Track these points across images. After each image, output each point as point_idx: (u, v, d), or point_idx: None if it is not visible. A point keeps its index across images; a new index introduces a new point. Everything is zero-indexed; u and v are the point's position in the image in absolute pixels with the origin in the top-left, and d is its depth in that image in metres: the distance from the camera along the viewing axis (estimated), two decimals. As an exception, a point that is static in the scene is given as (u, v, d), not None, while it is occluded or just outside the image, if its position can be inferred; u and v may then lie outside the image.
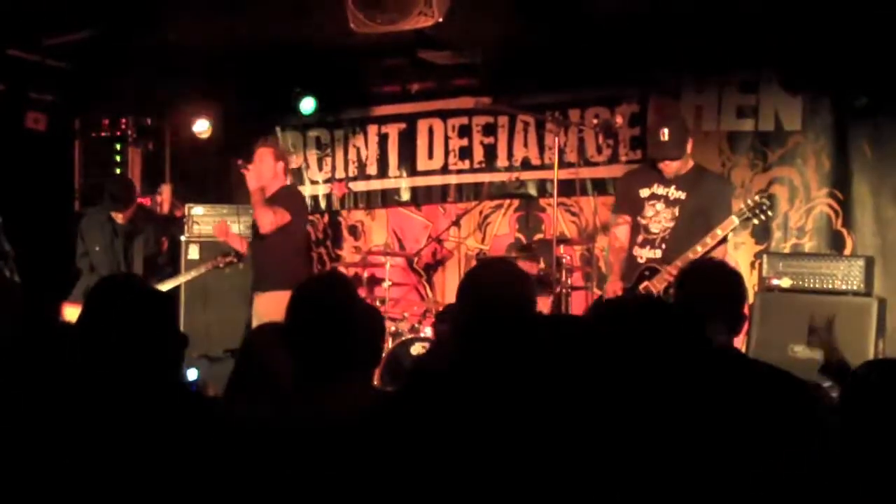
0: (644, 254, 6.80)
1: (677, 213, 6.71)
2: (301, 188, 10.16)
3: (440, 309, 8.22)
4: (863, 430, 2.82)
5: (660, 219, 6.77)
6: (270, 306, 7.15)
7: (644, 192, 6.86)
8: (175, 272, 8.69)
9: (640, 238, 6.86)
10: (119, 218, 8.23)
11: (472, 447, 2.73)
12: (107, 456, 2.77)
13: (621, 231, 7.00)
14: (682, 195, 6.71)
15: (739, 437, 2.98)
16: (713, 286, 3.78)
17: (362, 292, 8.67)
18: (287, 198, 7.66)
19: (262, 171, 7.54)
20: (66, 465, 2.77)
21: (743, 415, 3.08)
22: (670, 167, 6.70)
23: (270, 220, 7.38)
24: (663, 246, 6.71)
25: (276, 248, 7.45)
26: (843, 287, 7.08)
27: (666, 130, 6.65)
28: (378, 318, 3.71)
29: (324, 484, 2.86)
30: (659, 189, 6.79)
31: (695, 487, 2.71)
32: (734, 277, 3.92)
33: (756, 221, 6.75)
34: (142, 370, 2.99)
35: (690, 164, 6.81)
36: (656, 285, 6.56)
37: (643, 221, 6.85)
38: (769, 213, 6.73)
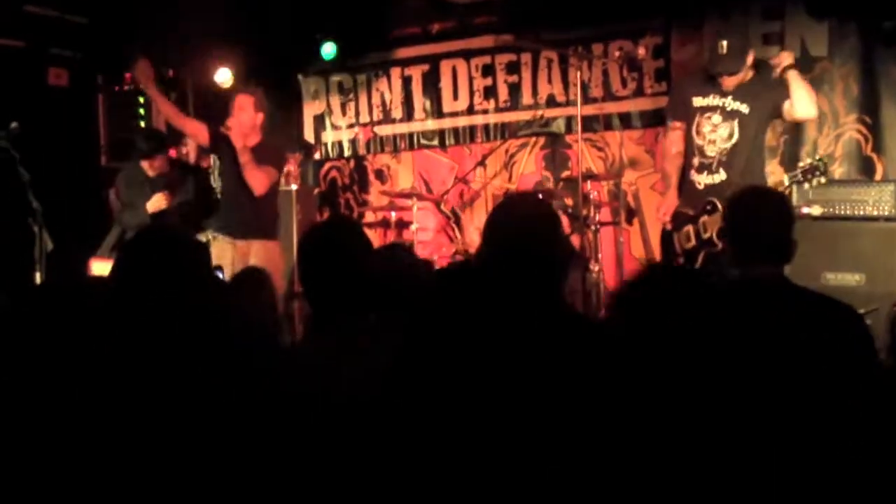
0: (702, 180, 6.58)
1: (736, 131, 6.47)
2: (324, 133, 10.17)
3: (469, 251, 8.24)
4: None
5: (715, 137, 6.51)
6: (263, 254, 7.16)
7: (698, 101, 6.62)
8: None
9: (695, 161, 6.62)
10: (149, 170, 8.09)
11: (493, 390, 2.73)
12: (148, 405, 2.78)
13: (675, 136, 6.79)
14: (742, 107, 6.47)
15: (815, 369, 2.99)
16: (759, 218, 3.70)
17: (391, 236, 8.67)
18: (274, 154, 7.50)
19: (243, 121, 7.29)
20: (96, 419, 2.78)
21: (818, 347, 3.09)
22: (730, 81, 6.46)
23: (263, 181, 7.24)
24: (724, 171, 6.47)
25: (265, 200, 7.37)
26: (875, 213, 7.00)
27: (724, 43, 6.38)
28: (400, 258, 3.70)
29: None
30: (716, 100, 6.53)
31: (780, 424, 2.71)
32: (781, 204, 3.84)
33: (807, 186, 6.51)
34: (181, 322, 2.98)
35: (751, 73, 6.55)
36: (714, 224, 6.29)
37: (698, 141, 6.60)
38: (823, 177, 6.31)
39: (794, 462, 2.60)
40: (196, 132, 7.63)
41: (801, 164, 6.45)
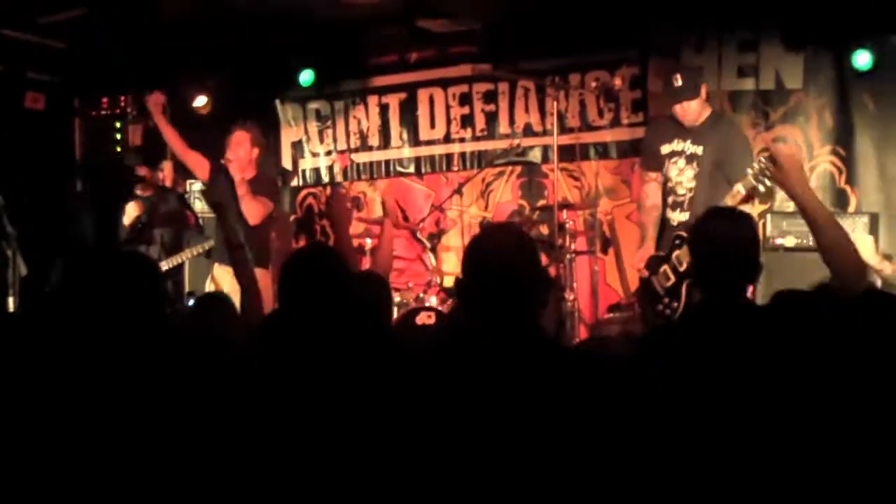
0: (675, 217, 6.75)
1: (697, 172, 6.65)
2: (301, 160, 10.18)
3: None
4: None
5: (683, 178, 6.72)
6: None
7: (665, 149, 6.83)
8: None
9: (669, 200, 6.83)
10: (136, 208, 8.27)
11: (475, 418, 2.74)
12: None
13: (651, 189, 6.98)
14: (698, 150, 6.65)
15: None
16: (722, 241, 3.58)
17: (366, 263, 8.66)
18: (270, 186, 7.69)
19: (240, 156, 7.46)
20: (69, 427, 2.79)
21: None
22: (688, 111, 6.64)
23: (258, 212, 7.36)
24: (690, 209, 6.64)
25: (259, 229, 7.45)
26: (848, 244, 7.05)
27: (679, 75, 6.65)
28: (377, 284, 3.72)
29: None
30: (678, 145, 6.75)
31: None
32: (743, 224, 3.68)
33: (762, 188, 6.57)
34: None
35: (707, 111, 6.74)
36: (686, 255, 6.27)
37: (670, 183, 6.82)
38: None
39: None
40: (197, 165, 7.73)
41: (754, 166, 6.36)
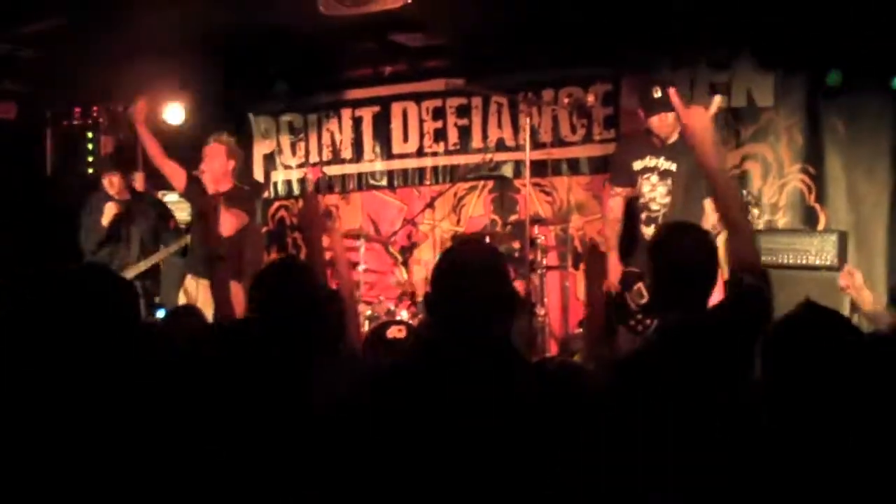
0: (649, 233, 6.75)
1: (671, 187, 6.70)
2: (274, 173, 10.17)
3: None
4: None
5: (655, 194, 6.76)
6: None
7: (637, 165, 6.87)
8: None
9: (643, 216, 6.88)
10: (109, 188, 8.41)
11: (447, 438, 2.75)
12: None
13: (615, 203, 7.06)
14: (672, 166, 6.70)
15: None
16: (681, 254, 3.57)
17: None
18: (245, 199, 7.67)
19: (215, 168, 7.47)
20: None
21: None
22: (665, 123, 6.69)
23: (232, 224, 7.34)
24: None
25: (232, 241, 7.42)
26: (817, 262, 7.11)
27: (658, 87, 6.68)
28: (335, 300, 3.73)
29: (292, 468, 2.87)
30: (651, 161, 6.79)
31: None
32: (701, 238, 3.70)
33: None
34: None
35: (680, 127, 6.70)
36: None
37: (643, 199, 6.86)
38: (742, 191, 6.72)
39: None
40: (174, 174, 7.71)
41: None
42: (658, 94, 6.65)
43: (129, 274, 8.07)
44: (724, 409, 2.89)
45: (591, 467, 2.74)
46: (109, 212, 8.25)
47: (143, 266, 8.30)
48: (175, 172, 7.68)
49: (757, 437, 2.76)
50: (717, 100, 6.61)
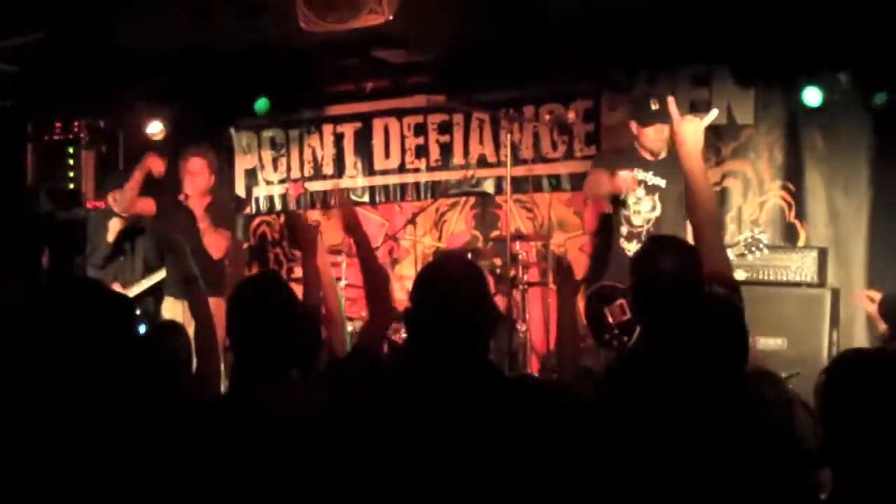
0: (631, 248, 6.75)
1: (658, 204, 6.72)
2: (255, 188, 10.15)
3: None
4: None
5: (640, 208, 6.76)
6: (213, 310, 7.14)
7: (624, 174, 6.81)
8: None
9: (624, 230, 6.89)
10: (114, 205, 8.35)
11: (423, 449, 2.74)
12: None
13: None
14: (661, 182, 6.72)
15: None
16: (664, 273, 3.54)
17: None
18: (225, 213, 7.74)
19: (199, 185, 7.47)
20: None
21: None
22: (660, 136, 6.71)
23: (221, 245, 7.36)
24: None
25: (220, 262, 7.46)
26: (797, 278, 7.14)
27: (656, 99, 6.73)
28: (312, 316, 3.74)
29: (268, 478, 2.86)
30: (639, 174, 6.78)
31: None
32: (686, 258, 3.63)
33: (750, 258, 6.72)
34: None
35: (666, 147, 6.80)
36: None
37: (625, 211, 6.85)
38: (764, 249, 6.74)
39: None
40: (145, 208, 7.77)
41: (739, 237, 6.60)
42: (656, 105, 6.68)
43: (133, 291, 8.05)
44: (721, 409, 2.87)
45: (568, 476, 2.73)
46: (114, 228, 8.22)
47: (146, 284, 8.26)
48: (146, 206, 7.77)
49: (758, 440, 2.77)
50: (714, 112, 6.62)
